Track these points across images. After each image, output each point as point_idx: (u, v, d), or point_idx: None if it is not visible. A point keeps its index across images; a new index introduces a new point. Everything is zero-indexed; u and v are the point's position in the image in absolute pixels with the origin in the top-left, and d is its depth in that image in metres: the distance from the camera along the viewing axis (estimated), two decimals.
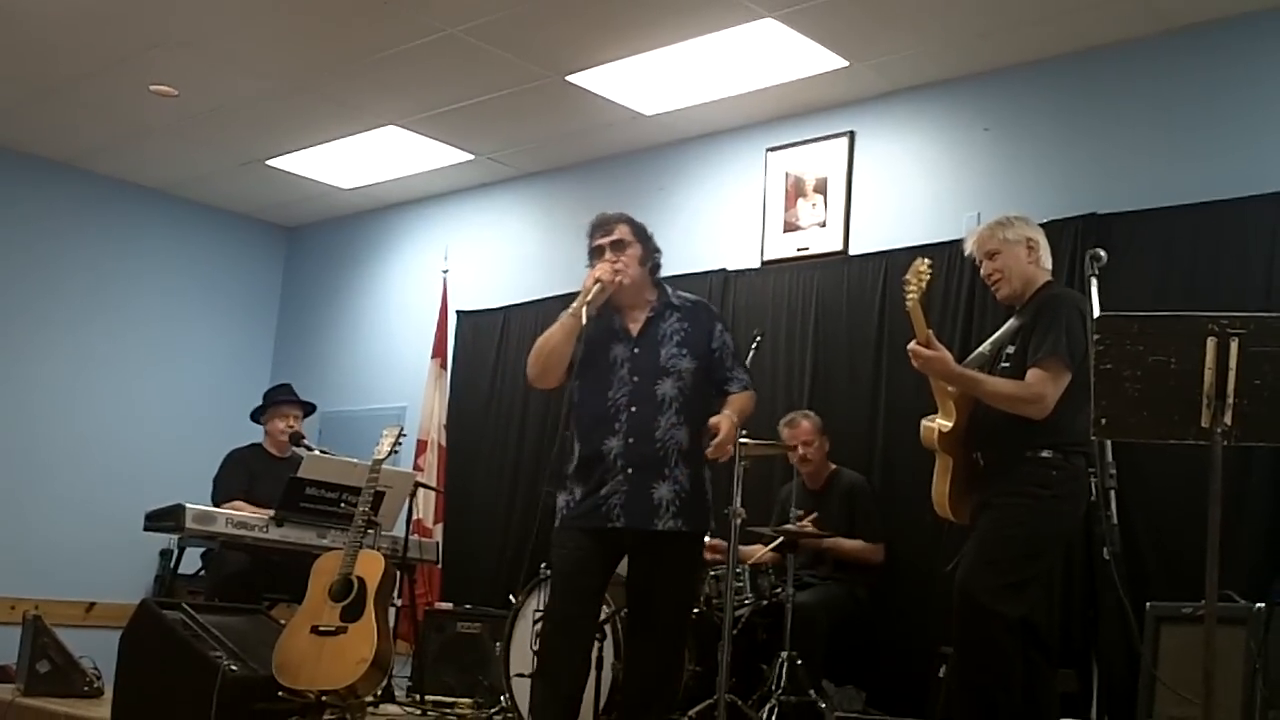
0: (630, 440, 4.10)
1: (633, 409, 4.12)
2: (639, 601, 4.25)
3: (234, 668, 4.48)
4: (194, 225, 8.93)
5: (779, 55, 6.00)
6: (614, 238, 4.28)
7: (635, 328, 4.25)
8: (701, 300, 4.49)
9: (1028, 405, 4.05)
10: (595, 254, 4.31)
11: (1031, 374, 4.07)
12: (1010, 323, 4.36)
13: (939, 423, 4.29)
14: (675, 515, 4.07)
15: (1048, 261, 4.36)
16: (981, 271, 4.45)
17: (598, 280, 4.15)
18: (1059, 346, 3.97)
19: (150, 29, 6.21)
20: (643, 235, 4.34)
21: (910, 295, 4.15)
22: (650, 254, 4.32)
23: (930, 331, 4.18)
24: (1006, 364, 4.22)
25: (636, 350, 4.20)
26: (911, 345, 4.20)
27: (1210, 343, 2.96)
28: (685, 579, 4.27)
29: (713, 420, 4.07)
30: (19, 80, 6.97)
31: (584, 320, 4.11)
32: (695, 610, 5.23)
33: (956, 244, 5.67)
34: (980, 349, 4.43)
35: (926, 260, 4.20)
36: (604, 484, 4.09)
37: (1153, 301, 5.01)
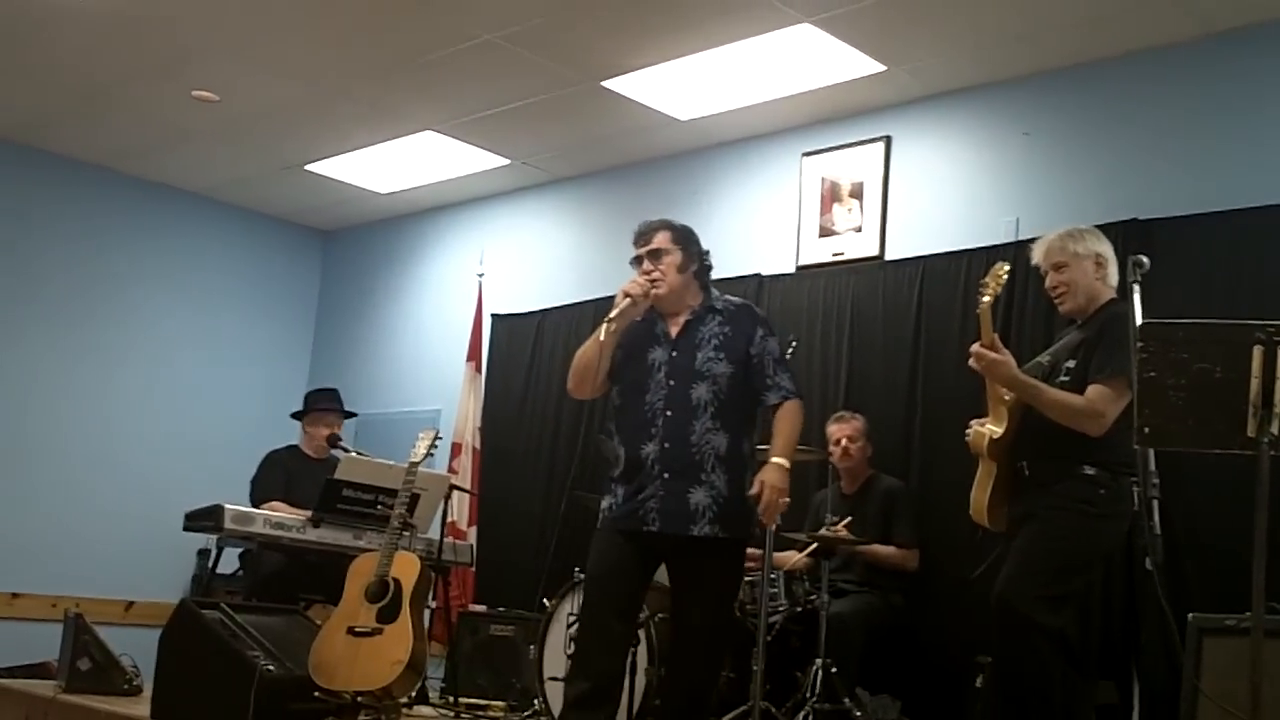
0: (666, 445, 4.10)
1: (668, 413, 4.13)
2: (679, 608, 4.26)
3: (271, 667, 4.50)
4: (233, 229, 9.00)
5: (815, 60, 5.99)
6: (651, 247, 4.28)
7: (675, 331, 4.25)
8: (747, 304, 4.47)
9: (1087, 420, 4.03)
10: (635, 264, 4.32)
11: (1094, 390, 4.04)
12: (1071, 336, 4.33)
13: (989, 428, 4.26)
14: (712, 521, 4.06)
15: (1114, 278, 4.31)
16: (1047, 283, 4.41)
17: (627, 295, 4.17)
18: (1125, 367, 3.91)
19: (192, 36, 6.26)
20: (684, 240, 4.32)
21: (985, 298, 4.13)
22: (691, 259, 4.31)
23: (995, 335, 4.16)
24: (1065, 377, 4.19)
25: (674, 354, 4.20)
26: (975, 347, 4.18)
27: (1256, 351, 2.92)
28: (725, 586, 4.23)
29: (755, 485, 4.03)
30: (63, 86, 7.04)
31: (607, 336, 4.13)
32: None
33: (994, 250, 5.69)
34: (1038, 359, 4.41)
35: (1007, 264, 4.19)
36: (643, 489, 4.10)
37: (1194, 308, 4.95)
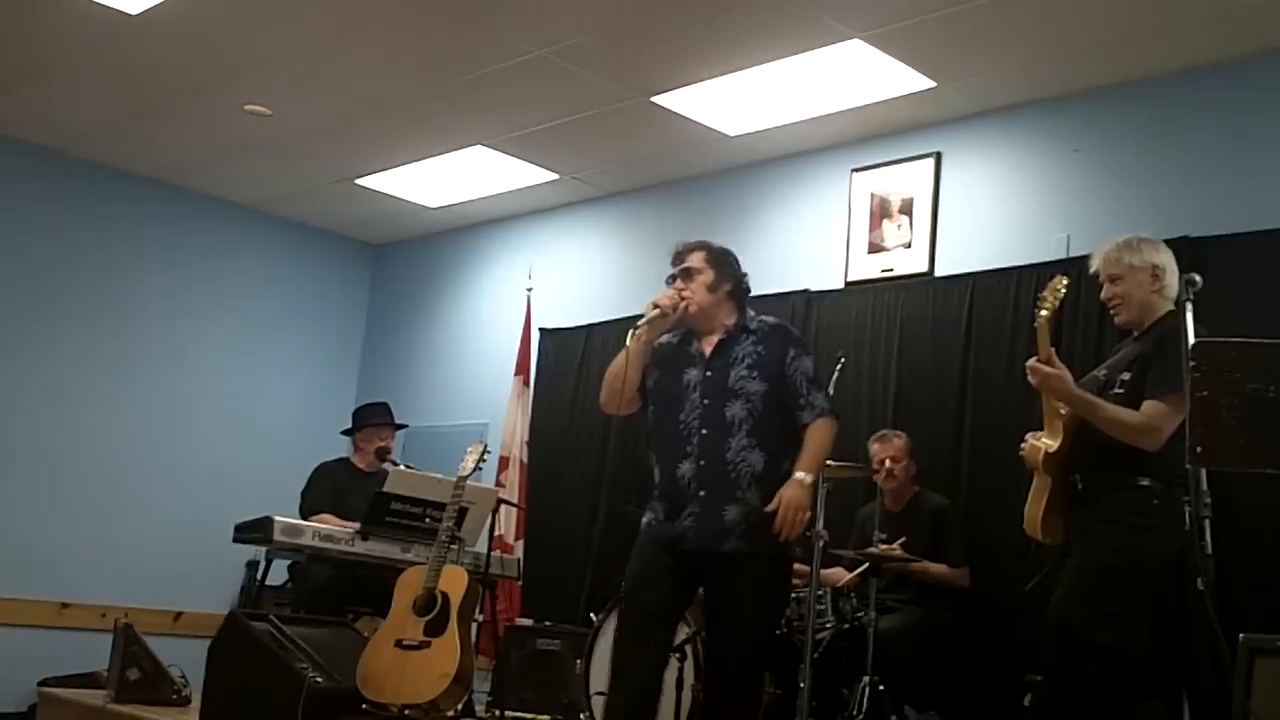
0: (701, 463, 4.10)
1: (704, 431, 4.13)
2: (712, 626, 4.24)
3: (319, 679, 4.54)
4: (283, 242, 9.09)
5: (865, 76, 5.99)
6: (684, 265, 4.31)
7: (709, 350, 4.26)
8: (782, 324, 4.45)
9: (1142, 436, 4.00)
10: (669, 282, 4.36)
11: (1150, 406, 4.01)
12: (1127, 349, 4.29)
13: (1045, 442, 4.23)
14: (741, 537, 4.04)
15: (1173, 290, 4.24)
16: (1102, 294, 4.38)
17: (656, 306, 4.21)
18: (1181, 383, 3.86)
19: (245, 51, 6.34)
20: (718, 261, 4.33)
21: (1043, 313, 4.11)
22: (724, 279, 4.31)
23: (1052, 350, 4.13)
24: (1120, 390, 4.15)
25: (709, 373, 4.21)
26: (1031, 362, 4.16)
27: None
28: (758, 604, 4.14)
29: (775, 501, 4.01)
30: (116, 99, 7.14)
31: (634, 344, 4.16)
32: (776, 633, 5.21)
33: (1044, 266, 5.66)
34: (1094, 372, 4.37)
35: (1065, 278, 4.17)
36: (682, 508, 4.10)
37: (1247, 326, 4.88)
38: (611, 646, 4.24)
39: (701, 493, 4.09)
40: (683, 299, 4.24)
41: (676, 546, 4.10)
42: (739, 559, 4.06)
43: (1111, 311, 4.35)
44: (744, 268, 4.42)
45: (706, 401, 4.16)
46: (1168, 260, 4.30)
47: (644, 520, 4.26)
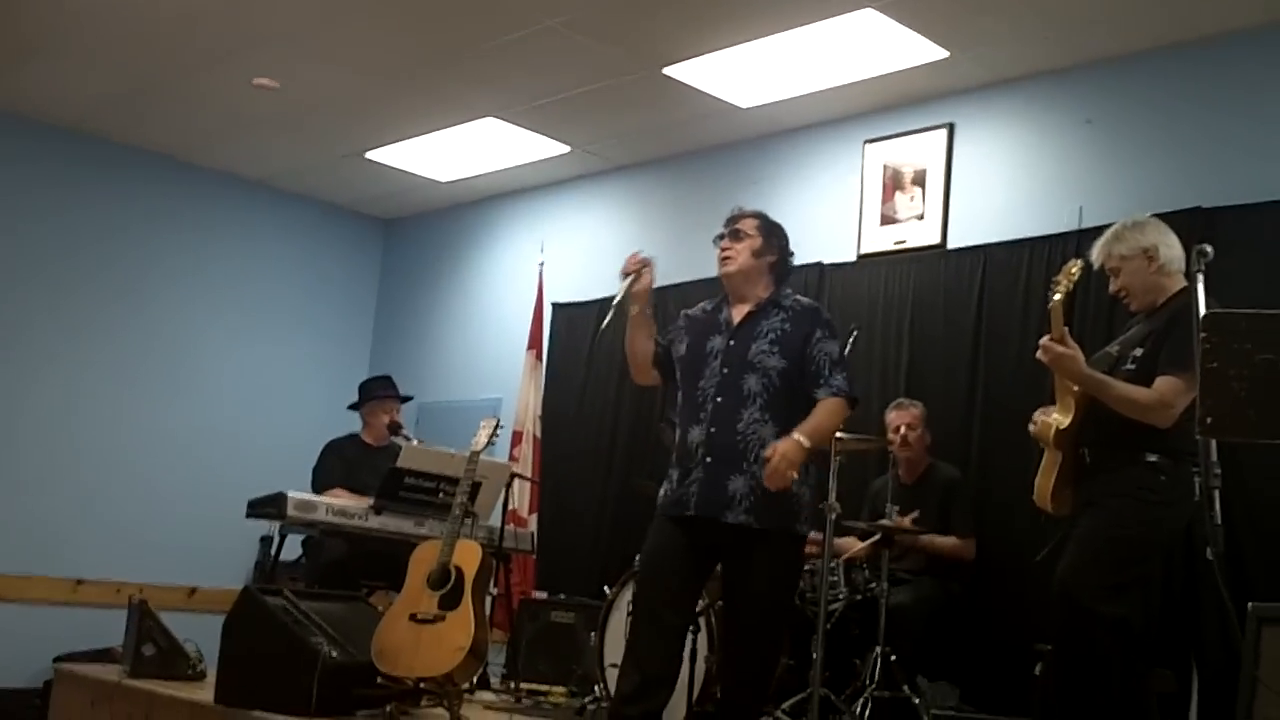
0: (712, 430, 4.11)
1: (718, 399, 4.14)
2: (728, 599, 4.26)
3: (334, 654, 4.55)
4: (293, 217, 9.08)
5: (878, 46, 5.96)
6: (735, 227, 4.35)
7: (736, 319, 4.27)
8: (816, 306, 4.44)
9: (1155, 413, 4.01)
10: (716, 240, 4.39)
11: (1163, 382, 4.02)
12: (1140, 326, 4.30)
13: (1056, 418, 4.25)
14: (748, 510, 4.04)
15: (1177, 264, 4.24)
16: (1109, 289, 4.40)
17: (626, 274, 4.26)
18: (1194, 359, 3.87)
19: (252, 23, 6.32)
20: (768, 231, 4.36)
21: (1056, 297, 4.11)
22: (770, 249, 4.33)
23: (1065, 330, 4.13)
24: (1132, 366, 4.16)
25: (732, 342, 4.21)
26: (1044, 340, 4.16)
27: None
28: (772, 580, 4.15)
29: (769, 449, 4.00)
30: (123, 74, 7.11)
31: (615, 313, 4.22)
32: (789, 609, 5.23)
33: (1057, 239, 5.65)
34: (1106, 349, 4.38)
35: (1080, 261, 4.18)
36: (690, 473, 4.12)
37: (1260, 297, 4.87)
38: (628, 623, 4.25)
39: (708, 459, 4.09)
40: (723, 260, 4.29)
41: (683, 514, 4.11)
42: (748, 534, 4.07)
43: (1124, 303, 4.36)
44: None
45: (725, 370, 4.17)
46: (1159, 237, 4.29)
47: (660, 491, 4.29)
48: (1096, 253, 4.38)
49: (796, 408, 4.17)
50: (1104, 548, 4.05)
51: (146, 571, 7.74)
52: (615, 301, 4.22)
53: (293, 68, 6.84)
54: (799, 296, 4.41)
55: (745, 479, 4.06)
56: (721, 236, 4.36)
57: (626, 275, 4.25)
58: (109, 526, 7.85)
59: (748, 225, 4.34)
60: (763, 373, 4.14)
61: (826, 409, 4.12)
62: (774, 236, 4.37)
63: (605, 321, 4.29)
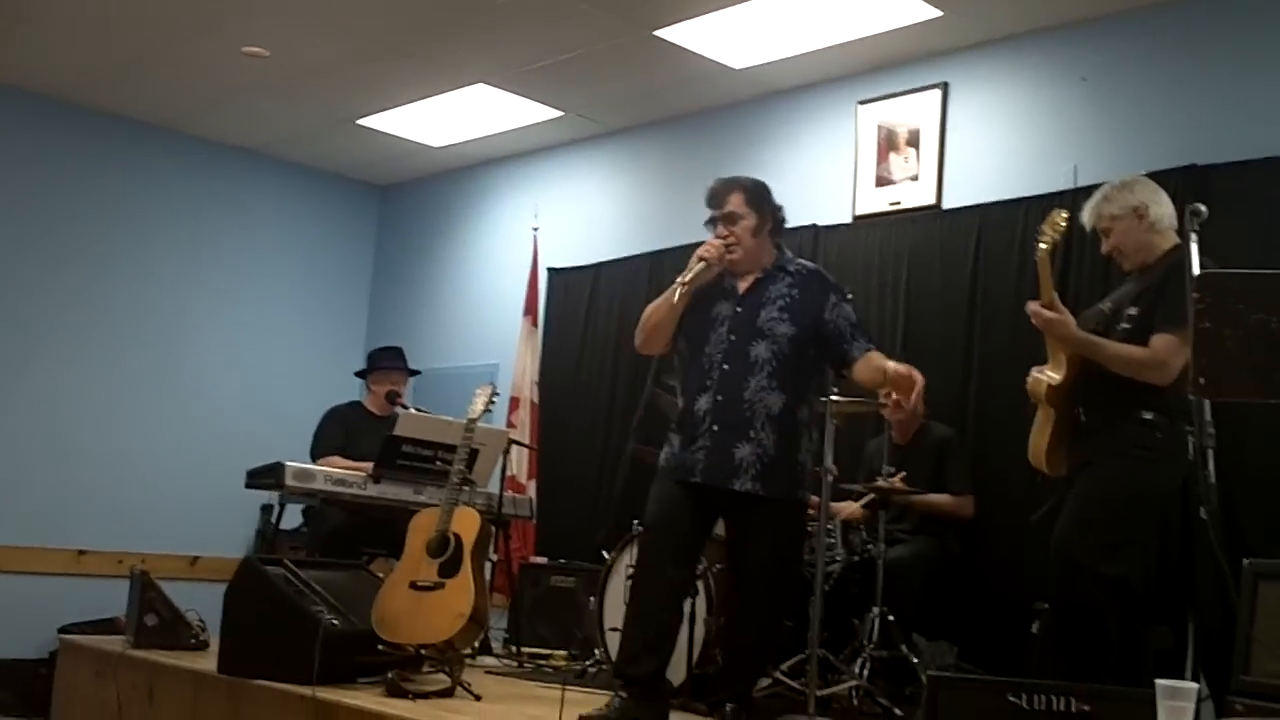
0: (719, 398, 4.12)
1: (725, 367, 4.15)
2: (733, 564, 4.30)
3: (335, 622, 4.58)
4: (287, 185, 9.05)
5: (871, 5, 5.93)
6: (726, 210, 4.27)
7: (744, 287, 4.26)
8: (819, 269, 4.45)
9: (1150, 371, 4.03)
10: (709, 226, 4.32)
11: (1158, 340, 4.04)
12: (1133, 283, 4.31)
13: (1049, 375, 4.28)
14: (755, 479, 4.08)
15: (1168, 221, 4.26)
16: (1102, 249, 4.41)
17: (702, 259, 4.17)
18: (1189, 316, 3.89)
19: None
20: (757, 201, 4.30)
21: (1042, 246, 4.12)
22: (766, 220, 4.30)
23: (1055, 293, 4.14)
24: (1127, 324, 4.18)
25: (739, 309, 4.21)
26: (1033, 306, 4.19)
27: None
28: (776, 546, 4.21)
29: (893, 367, 4.04)
30: (112, 44, 7.07)
31: (680, 298, 4.14)
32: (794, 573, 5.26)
33: (1052, 197, 5.63)
34: (1099, 305, 4.41)
35: (1065, 212, 4.18)
36: (695, 440, 4.13)
37: (1254, 254, 4.89)
38: (627, 587, 4.28)
39: (715, 427, 4.11)
40: (729, 249, 4.22)
41: (688, 480, 4.13)
42: (754, 502, 4.09)
43: (1117, 262, 4.37)
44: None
45: (733, 338, 4.18)
46: (1148, 195, 4.30)
47: (661, 455, 4.30)
48: (1087, 214, 4.39)
49: (804, 376, 4.19)
50: (1101, 507, 4.08)
51: (148, 541, 7.79)
52: (684, 280, 4.14)
53: (282, 36, 6.80)
54: (800, 260, 4.41)
55: (752, 446, 4.09)
56: (713, 221, 4.30)
57: (701, 259, 4.18)
58: (110, 497, 7.88)
59: (737, 204, 4.27)
60: (772, 339, 4.15)
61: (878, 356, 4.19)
62: (764, 204, 4.32)
63: (676, 299, 4.16)
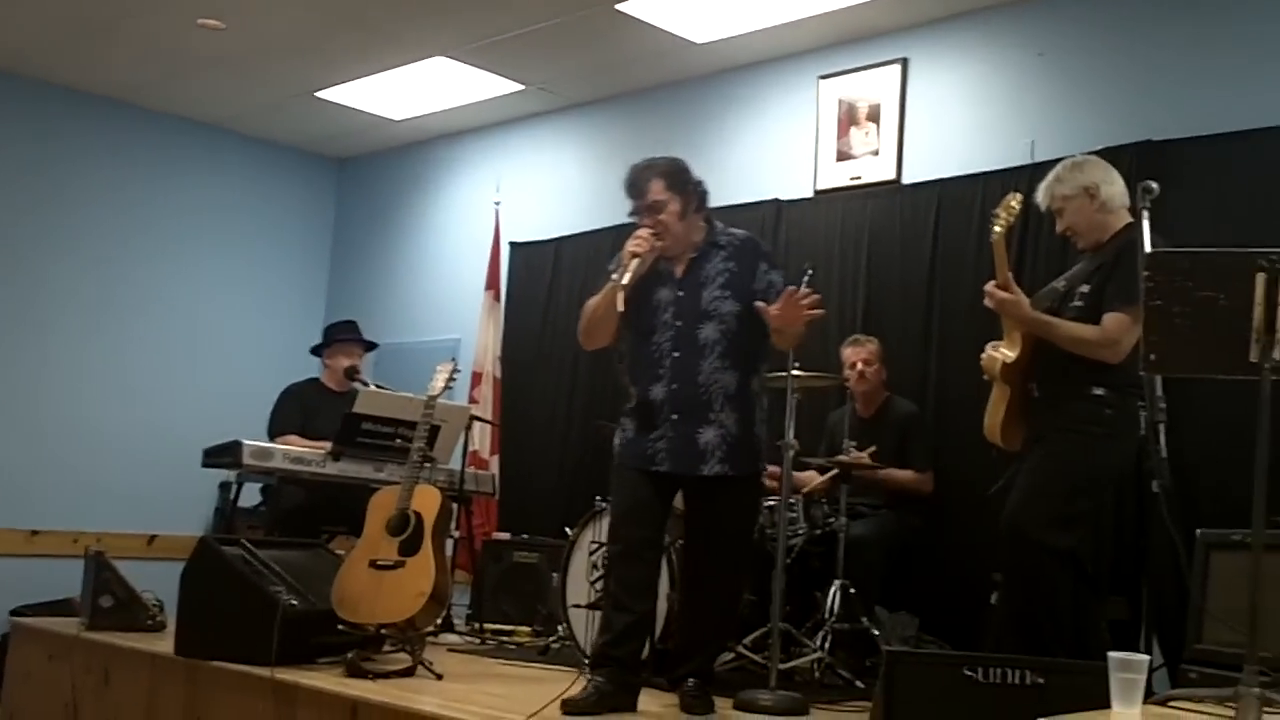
0: (674, 386, 4.11)
1: (675, 354, 4.13)
2: (694, 541, 4.31)
3: (294, 602, 4.56)
4: (245, 159, 8.96)
5: None
6: (649, 200, 4.19)
7: (680, 270, 4.23)
8: (750, 237, 4.40)
9: (1102, 350, 4.07)
10: (633, 217, 4.25)
11: (1110, 319, 4.08)
12: (1086, 261, 4.34)
13: (1003, 353, 4.32)
14: (722, 460, 4.09)
15: (1120, 200, 4.29)
16: (1056, 229, 4.44)
17: (635, 255, 4.08)
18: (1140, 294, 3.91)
19: None
20: (679, 184, 4.21)
21: (997, 229, 4.16)
22: (690, 201, 4.22)
23: (1010, 273, 4.17)
24: (1079, 302, 4.22)
25: (681, 293, 4.18)
26: (988, 286, 4.23)
27: (1259, 279, 2.95)
28: (739, 520, 4.29)
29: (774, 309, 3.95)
30: (64, 16, 6.97)
31: (620, 297, 4.05)
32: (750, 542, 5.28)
33: (1010, 172, 5.65)
34: (1053, 284, 4.44)
35: (1019, 195, 4.22)
36: (653, 428, 4.13)
37: (1210, 229, 4.93)
38: (611, 567, 4.26)
39: (675, 416, 4.10)
40: (658, 238, 4.14)
41: (652, 468, 4.12)
42: (722, 483, 4.11)
43: (1071, 241, 4.40)
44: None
45: (679, 323, 4.15)
46: (1100, 175, 4.32)
47: (616, 440, 4.28)
48: (1041, 194, 4.42)
49: (753, 349, 4.18)
50: (1053, 482, 4.12)
51: (104, 520, 7.70)
52: (623, 282, 4.04)
53: (238, 7, 6.70)
54: (731, 229, 4.35)
55: (714, 429, 4.09)
56: (637, 213, 4.22)
57: (635, 256, 4.08)
58: (64, 475, 7.76)
59: (658, 191, 4.18)
60: (719, 319, 4.13)
61: None
62: (685, 184, 4.23)
63: (620, 306, 4.04)
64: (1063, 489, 4.11)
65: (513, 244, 8.01)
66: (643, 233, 4.15)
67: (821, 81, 6.60)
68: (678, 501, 4.38)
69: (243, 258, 8.88)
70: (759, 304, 4.03)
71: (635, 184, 4.24)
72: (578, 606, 5.18)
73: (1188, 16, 5.44)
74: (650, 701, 4.19)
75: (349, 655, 4.43)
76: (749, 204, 6.62)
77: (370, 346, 6.89)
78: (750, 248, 4.29)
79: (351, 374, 6.53)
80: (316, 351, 6.80)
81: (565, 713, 3.84)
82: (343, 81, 7.75)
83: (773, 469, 5.26)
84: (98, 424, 8.01)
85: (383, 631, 4.57)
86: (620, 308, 4.07)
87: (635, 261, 4.08)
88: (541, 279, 7.78)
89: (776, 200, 6.63)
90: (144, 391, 8.24)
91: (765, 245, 4.41)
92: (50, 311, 7.99)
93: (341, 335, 6.76)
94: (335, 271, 9.37)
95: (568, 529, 5.56)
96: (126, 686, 4.98)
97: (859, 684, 4.80)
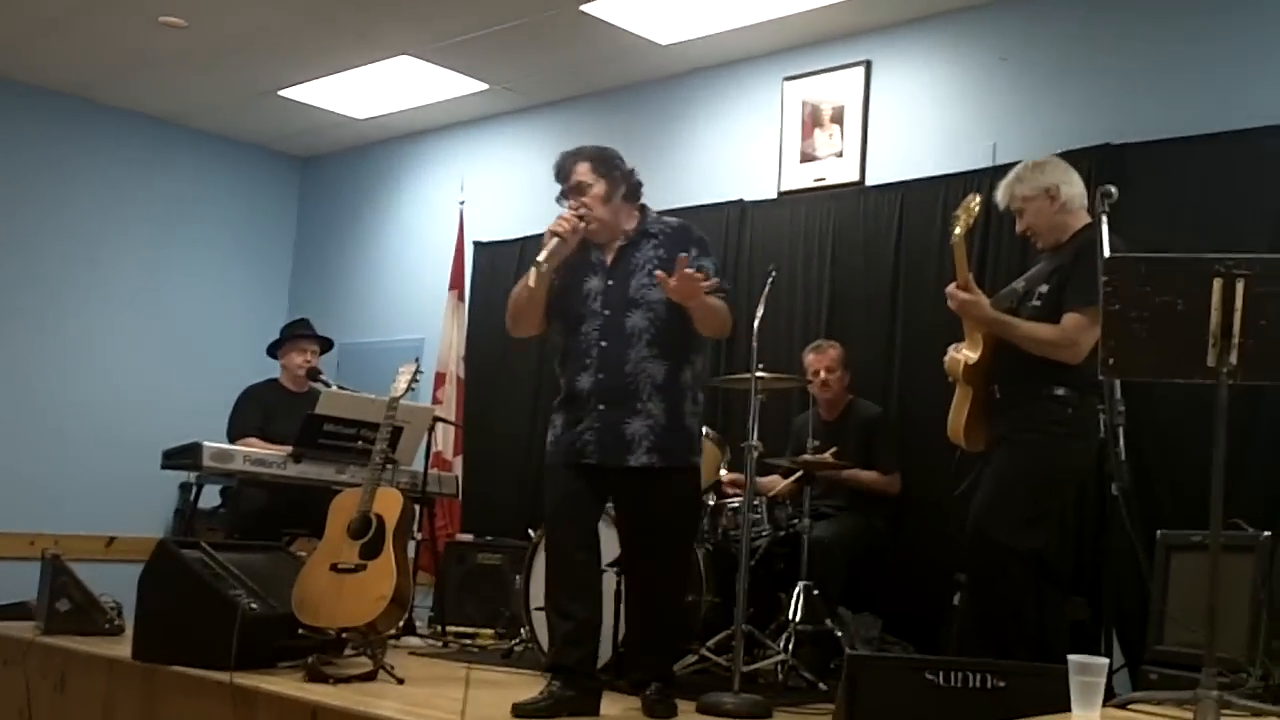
0: (600, 376, 4.07)
1: (603, 344, 4.08)
2: (632, 541, 4.27)
3: (254, 606, 4.50)
4: (207, 157, 8.88)
5: None
6: (573, 181, 4.17)
7: (610, 258, 4.19)
8: (684, 224, 4.34)
9: (1062, 350, 4.10)
10: (560, 200, 4.23)
11: (1069, 319, 4.10)
12: (1046, 262, 4.36)
13: (965, 354, 4.34)
14: (649, 450, 4.04)
15: (1080, 201, 4.32)
16: (1016, 229, 4.47)
17: (555, 235, 4.05)
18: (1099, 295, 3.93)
19: None
20: (605, 167, 4.18)
21: (957, 231, 4.17)
22: (616, 185, 4.18)
23: (970, 275, 4.19)
24: (1038, 302, 4.25)
25: (610, 282, 4.14)
26: (950, 288, 4.26)
27: (1216, 283, 2.96)
28: (672, 515, 4.19)
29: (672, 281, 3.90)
30: (26, 11, 6.89)
31: (537, 280, 4.01)
32: (710, 544, 5.27)
33: (972, 175, 5.69)
34: (1013, 285, 4.47)
35: (979, 196, 4.24)
36: (580, 420, 4.09)
37: (1168, 233, 4.97)
38: (546, 572, 4.24)
39: (601, 406, 4.06)
40: (582, 220, 4.11)
41: (580, 461, 4.08)
42: (650, 475, 4.07)
43: (1031, 241, 4.43)
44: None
45: (607, 313, 4.10)
46: (1059, 176, 4.35)
47: (548, 437, 4.25)
48: (1001, 194, 4.44)
49: (684, 339, 4.13)
50: (1016, 483, 4.14)
51: (62, 522, 7.59)
52: (541, 260, 4.01)
53: (200, 5, 6.66)
54: (665, 218, 4.33)
55: (641, 419, 4.05)
56: (564, 195, 4.20)
57: (554, 235, 4.05)
58: (20, 476, 7.65)
59: (584, 173, 4.16)
60: (647, 307, 4.08)
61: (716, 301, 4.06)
62: (613, 170, 4.20)
63: (532, 281, 4.02)
64: (1027, 491, 4.14)
65: (477, 244, 7.98)
66: (566, 214, 4.12)
67: (786, 83, 6.62)
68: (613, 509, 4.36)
69: (204, 257, 8.81)
70: (658, 273, 3.97)
71: (562, 168, 4.23)
72: (540, 609, 5.14)
73: (1148, 23, 5.48)
74: (613, 705, 4.16)
75: (309, 659, 4.38)
76: (713, 205, 6.64)
77: (326, 343, 6.80)
78: (682, 235, 4.23)
79: (313, 375, 6.47)
80: (272, 352, 6.70)
81: (515, 715, 3.82)
82: (306, 80, 7.71)
83: (735, 476, 5.28)
84: (55, 424, 7.92)
85: (344, 635, 4.53)
86: (532, 284, 4.01)
87: (555, 241, 4.04)
88: (505, 279, 7.69)
89: (741, 201, 6.64)
90: (103, 391, 8.15)
91: (698, 232, 4.33)
92: (5, 308, 7.89)
93: (295, 332, 6.68)
94: (298, 271, 9.31)
95: (531, 531, 5.53)
96: (83, 691, 4.90)
97: (822, 686, 4.79)
